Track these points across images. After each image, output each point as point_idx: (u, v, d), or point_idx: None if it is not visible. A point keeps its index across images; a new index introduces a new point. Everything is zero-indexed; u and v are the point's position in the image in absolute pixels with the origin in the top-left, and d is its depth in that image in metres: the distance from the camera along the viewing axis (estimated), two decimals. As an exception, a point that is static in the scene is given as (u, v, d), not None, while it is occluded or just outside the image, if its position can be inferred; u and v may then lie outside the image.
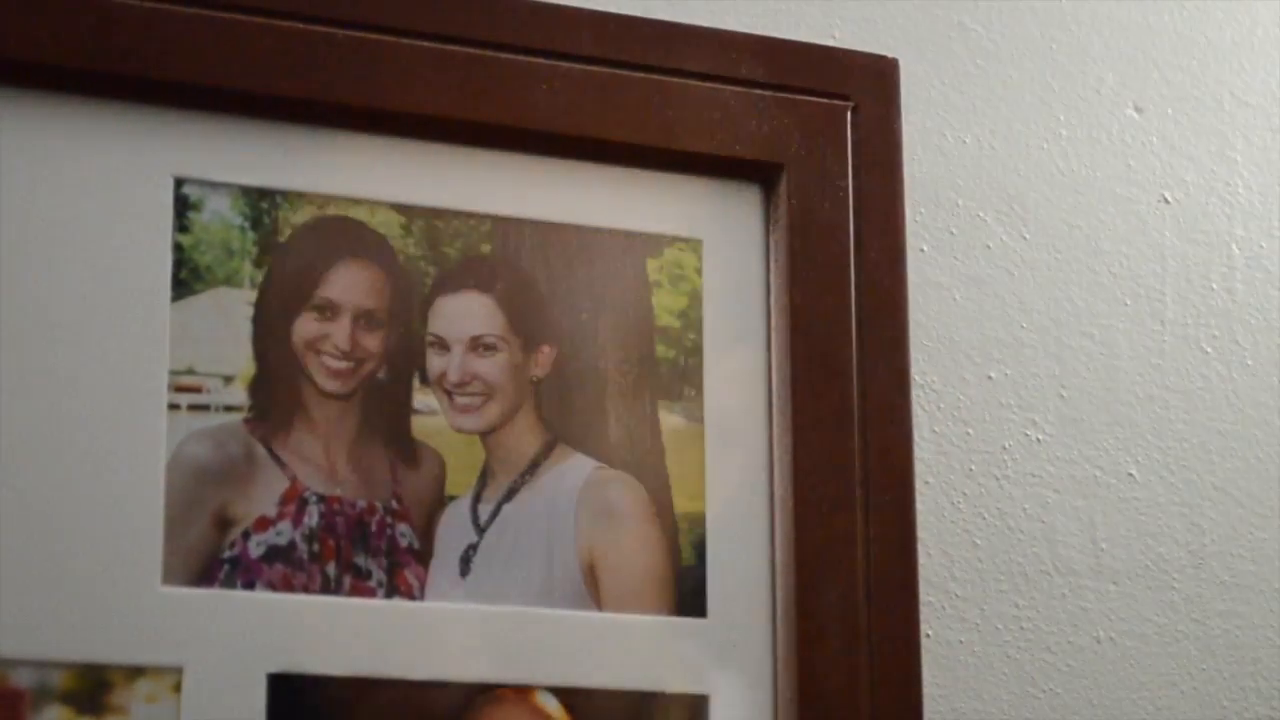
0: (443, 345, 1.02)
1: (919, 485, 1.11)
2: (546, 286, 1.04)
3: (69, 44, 0.97)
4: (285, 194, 1.01)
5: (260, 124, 1.01)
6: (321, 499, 0.98)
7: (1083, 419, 1.18)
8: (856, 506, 1.05)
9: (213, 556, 0.96)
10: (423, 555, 1.00)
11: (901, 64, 1.13)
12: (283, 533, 0.97)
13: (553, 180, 1.05)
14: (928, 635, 1.11)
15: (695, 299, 1.07)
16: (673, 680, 1.02)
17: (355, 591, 0.98)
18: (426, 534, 1.00)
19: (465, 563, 1.00)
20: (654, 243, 1.07)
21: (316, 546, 0.98)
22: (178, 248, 0.99)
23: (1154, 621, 1.17)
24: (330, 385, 1.00)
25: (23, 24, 0.96)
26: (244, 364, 0.99)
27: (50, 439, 0.94)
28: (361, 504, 0.99)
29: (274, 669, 0.96)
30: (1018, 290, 1.19)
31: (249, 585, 0.96)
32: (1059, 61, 1.23)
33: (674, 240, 1.07)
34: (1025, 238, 1.20)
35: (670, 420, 1.05)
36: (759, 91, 1.09)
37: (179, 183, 0.99)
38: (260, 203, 1.00)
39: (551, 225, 1.05)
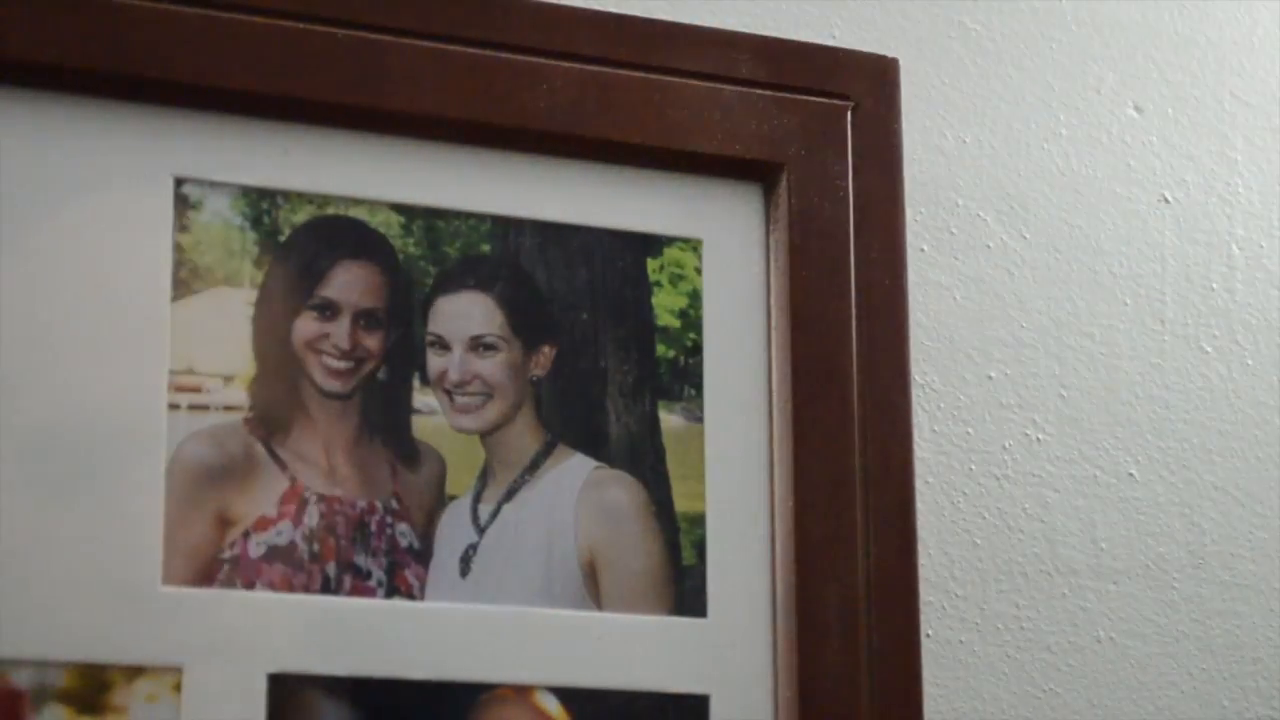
0: (443, 345, 1.02)
1: (919, 485, 1.11)
2: (546, 286, 1.04)
3: (69, 44, 0.97)
4: (285, 194, 1.01)
5: (260, 124, 1.01)
6: (321, 499, 0.98)
7: (1083, 419, 1.18)
8: (856, 506, 1.05)
9: (213, 556, 0.96)
10: (422, 555, 1.00)
11: (901, 64, 1.13)
12: (283, 532, 0.97)
13: (553, 180, 1.05)
14: (928, 635, 1.11)
15: (695, 299, 1.07)
16: (673, 680, 1.02)
17: (355, 591, 0.98)
18: (426, 534, 1.00)
19: (465, 563, 1.00)
20: (654, 242, 1.07)
21: (316, 546, 0.98)
22: (178, 247, 0.99)
23: (1154, 621, 1.17)
24: (330, 385, 1.00)
25: (23, 24, 0.96)
26: (244, 364, 0.99)
27: (50, 439, 0.94)
28: (361, 504, 0.99)
29: (274, 669, 0.96)
30: (1018, 290, 1.19)
31: (249, 585, 0.96)
32: (1059, 61, 1.23)
33: (674, 240, 1.07)
34: (1025, 238, 1.20)
35: (670, 420, 1.05)
36: (759, 91, 1.08)
37: (179, 182, 0.99)
38: (260, 202, 1.00)
39: (551, 225, 1.05)
